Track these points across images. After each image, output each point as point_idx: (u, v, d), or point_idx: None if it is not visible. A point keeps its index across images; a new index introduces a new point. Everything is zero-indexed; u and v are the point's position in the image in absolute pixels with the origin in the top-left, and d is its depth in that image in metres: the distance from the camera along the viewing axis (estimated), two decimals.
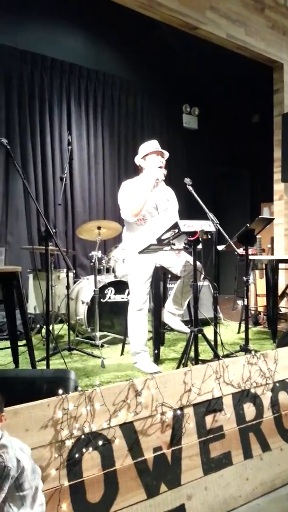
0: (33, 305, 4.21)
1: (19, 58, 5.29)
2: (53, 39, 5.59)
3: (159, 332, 3.35)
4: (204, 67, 6.68)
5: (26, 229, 5.30)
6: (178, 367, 2.66)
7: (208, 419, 1.72)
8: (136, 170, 3.36)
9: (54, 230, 2.48)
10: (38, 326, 4.22)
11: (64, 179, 3.69)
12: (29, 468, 1.21)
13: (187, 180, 2.92)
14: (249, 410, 1.84)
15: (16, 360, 3.11)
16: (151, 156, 3.17)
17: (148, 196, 3.04)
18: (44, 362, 2.73)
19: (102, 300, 3.88)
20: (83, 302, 3.89)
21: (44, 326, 3.41)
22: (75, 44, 5.88)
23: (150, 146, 3.21)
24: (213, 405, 1.74)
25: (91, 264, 3.89)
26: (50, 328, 3.19)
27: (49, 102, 5.60)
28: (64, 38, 5.72)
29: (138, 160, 3.23)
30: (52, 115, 5.63)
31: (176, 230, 2.48)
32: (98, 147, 6.14)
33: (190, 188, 2.89)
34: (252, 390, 1.87)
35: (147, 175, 3.13)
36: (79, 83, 5.90)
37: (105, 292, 3.94)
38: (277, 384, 1.96)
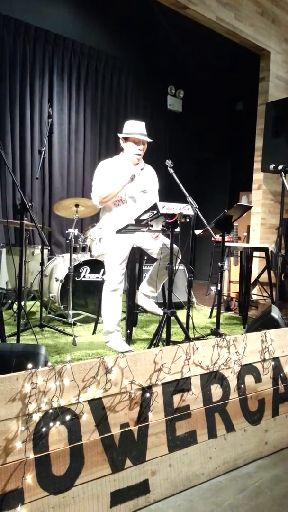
0: (5, 280, 4.14)
1: (1, 24, 5.06)
2: (38, 7, 5.38)
3: (132, 313, 3.36)
4: (191, 50, 6.58)
5: (1, 202, 5.16)
6: (149, 347, 2.69)
7: (176, 398, 1.75)
8: (117, 149, 3.30)
9: (30, 204, 2.41)
10: (9, 301, 4.16)
11: (43, 152, 3.60)
12: None
13: (168, 162, 2.90)
14: (216, 391, 1.88)
15: None
16: (131, 142, 3.09)
17: (120, 190, 3.01)
18: (14, 338, 2.69)
19: (76, 278, 3.85)
20: (57, 280, 3.85)
21: (16, 302, 3.36)
22: (61, 14, 5.67)
23: (133, 128, 3.10)
24: (181, 385, 1.77)
25: (67, 241, 3.84)
26: (22, 304, 3.15)
27: (31, 72, 5.41)
28: (50, 7, 5.51)
29: (120, 137, 3.17)
30: (33, 86, 5.45)
31: (155, 212, 2.47)
32: (79, 123, 5.99)
33: (171, 170, 2.87)
34: (220, 372, 1.91)
35: (123, 169, 3.08)
36: (63, 55, 5.71)
37: (80, 270, 3.91)
38: (244, 368, 2.01)
